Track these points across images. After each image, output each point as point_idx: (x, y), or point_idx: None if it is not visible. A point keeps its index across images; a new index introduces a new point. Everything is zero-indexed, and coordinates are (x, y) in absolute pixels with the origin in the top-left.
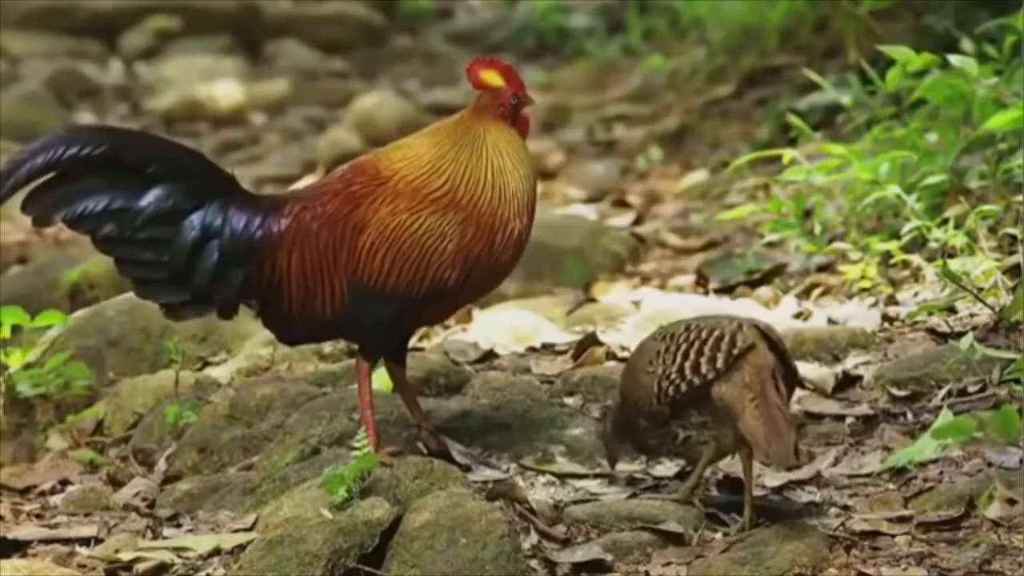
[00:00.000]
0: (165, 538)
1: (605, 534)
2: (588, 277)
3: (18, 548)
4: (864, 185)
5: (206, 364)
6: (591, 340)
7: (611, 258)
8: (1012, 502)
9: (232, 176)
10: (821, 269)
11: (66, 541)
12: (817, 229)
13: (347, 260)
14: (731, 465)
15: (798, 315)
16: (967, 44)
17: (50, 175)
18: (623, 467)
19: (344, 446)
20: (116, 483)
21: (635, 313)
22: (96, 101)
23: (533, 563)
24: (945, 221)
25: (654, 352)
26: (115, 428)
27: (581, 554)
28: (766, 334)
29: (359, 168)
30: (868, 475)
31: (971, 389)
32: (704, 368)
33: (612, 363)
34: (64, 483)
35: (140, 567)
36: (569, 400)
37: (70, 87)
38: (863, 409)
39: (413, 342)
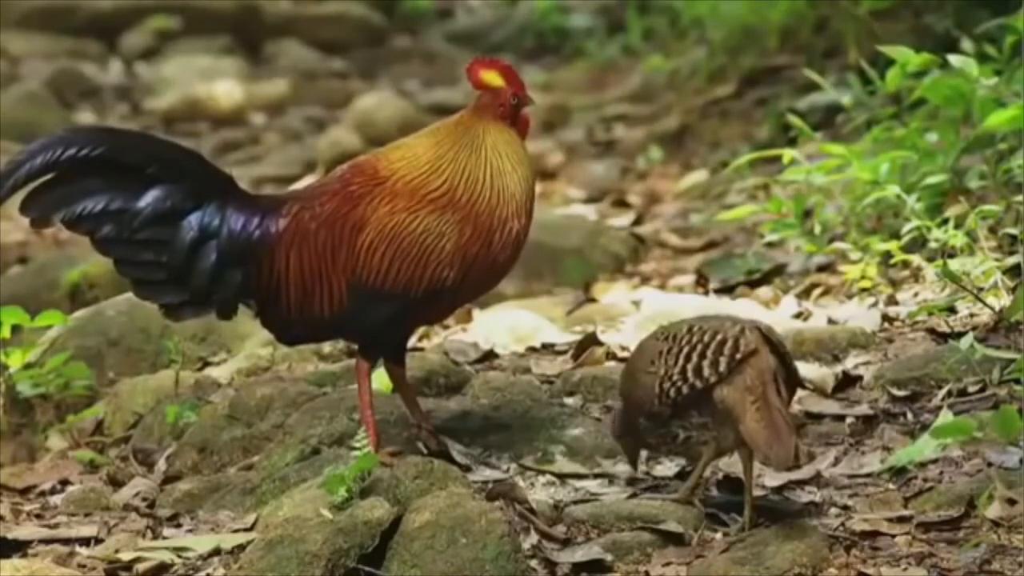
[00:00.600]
0: (165, 538)
1: (605, 534)
2: (588, 277)
3: (18, 548)
4: (864, 185)
5: (206, 364)
6: (591, 340)
7: (611, 258)
8: (1012, 502)
9: (230, 177)
10: (821, 269)
11: (66, 541)
12: (817, 229)
13: (346, 260)
14: (731, 465)
15: (798, 315)
16: (967, 44)
17: (49, 176)
18: (623, 468)
19: (344, 446)
20: (116, 483)
21: (635, 313)
22: (96, 101)
23: (533, 563)
24: (945, 221)
25: (656, 352)
26: (115, 428)
27: (581, 554)
28: (768, 337)
29: (358, 168)
30: (868, 475)
31: (971, 389)
32: (706, 371)
33: (612, 363)
34: (64, 483)
35: (140, 567)
36: (569, 400)
37: (70, 87)
38: (863, 409)
39: (413, 342)
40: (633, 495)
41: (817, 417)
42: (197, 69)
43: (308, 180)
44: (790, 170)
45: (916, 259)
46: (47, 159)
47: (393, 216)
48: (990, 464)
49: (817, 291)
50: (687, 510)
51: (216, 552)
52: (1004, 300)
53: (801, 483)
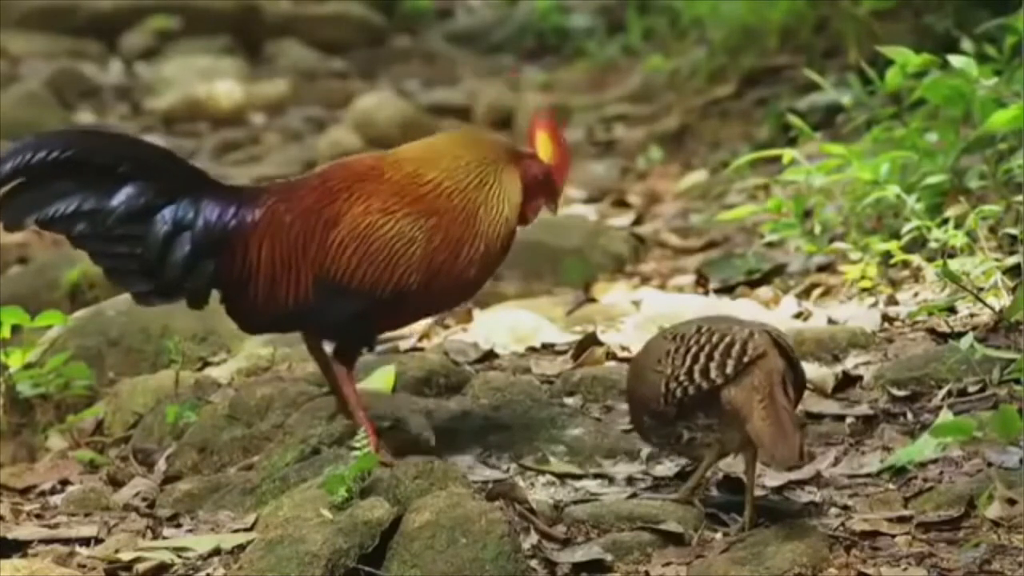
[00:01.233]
0: (165, 538)
1: (605, 534)
2: (588, 277)
3: (18, 548)
4: (864, 185)
5: (206, 364)
6: (591, 340)
7: (611, 258)
8: (1012, 502)
9: (203, 172)
10: (821, 269)
11: (66, 541)
12: (817, 229)
13: (316, 253)
14: (731, 465)
15: (798, 315)
16: (967, 44)
17: (19, 181)
18: (623, 467)
19: (344, 446)
20: (116, 483)
21: (635, 313)
22: (96, 101)
23: (533, 563)
24: (945, 221)
25: (664, 351)
26: (115, 428)
27: (581, 554)
28: (777, 341)
29: (341, 165)
30: (868, 475)
31: (971, 389)
32: (713, 373)
33: (612, 363)
34: (64, 483)
35: (140, 567)
36: (569, 400)
37: (70, 87)
38: (863, 409)
39: (412, 342)
40: (633, 495)
41: (817, 417)
42: (197, 69)
43: None
44: (790, 170)
45: (916, 259)
46: (16, 164)
47: (367, 216)
48: (990, 464)
49: (817, 291)
50: (687, 510)
51: (216, 552)
52: (1004, 300)
53: (801, 483)
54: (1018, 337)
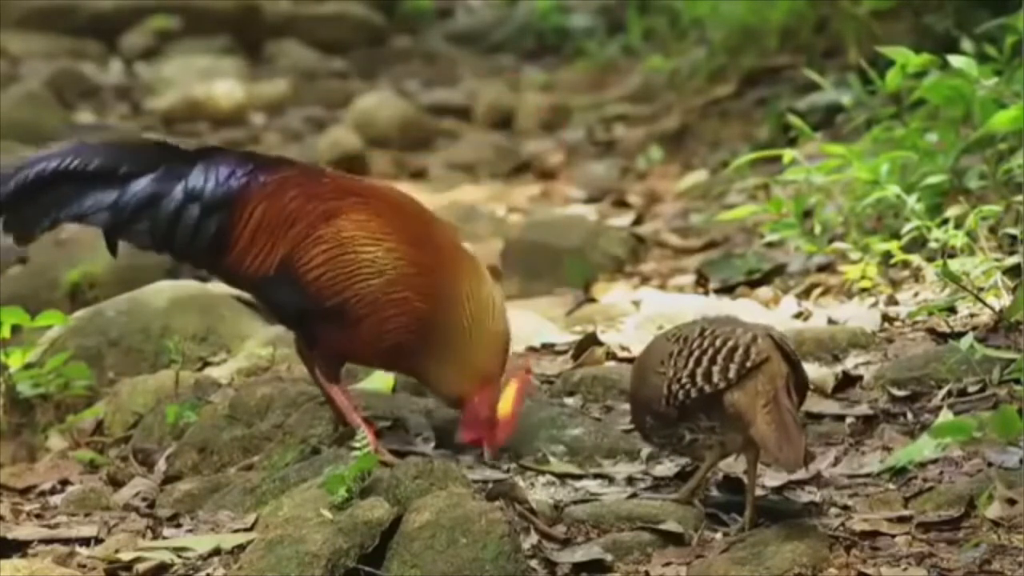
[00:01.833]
0: (165, 538)
1: (605, 534)
2: (588, 277)
3: (18, 548)
4: (864, 185)
5: (206, 364)
6: (591, 340)
7: (611, 258)
8: (1012, 502)
9: (208, 146)
10: (821, 269)
11: (66, 541)
12: (817, 229)
13: (295, 236)
14: (731, 465)
15: (798, 315)
16: (967, 44)
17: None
18: (623, 467)
19: (344, 446)
20: (116, 483)
21: (635, 313)
22: (96, 101)
23: (533, 563)
24: (945, 221)
25: (666, 353)
26: (115, 428)
27: (581, 554)
28: (780, 344)
29: (375, 183)
30: (868, 475)
31: (971, 389)
32: (716, 377)
33: (612, 363)
34: (64, 483)
35: (140, 567)
36: (569, 400)
37: (70, 87)
38: (863, 409)
39: None
40: (633, 495)
41: (817, 417)
42: (197, 69)
43: None
44: (790, 170)
45: (916, 259)
46: (17, 183)
47: (359, 229)
48: (990, 464)
49: (817, 291)
50: (687, 510)
51: (216, 552)
52: (1004, 300)
53: (801, 483)
54: (1018, 337)
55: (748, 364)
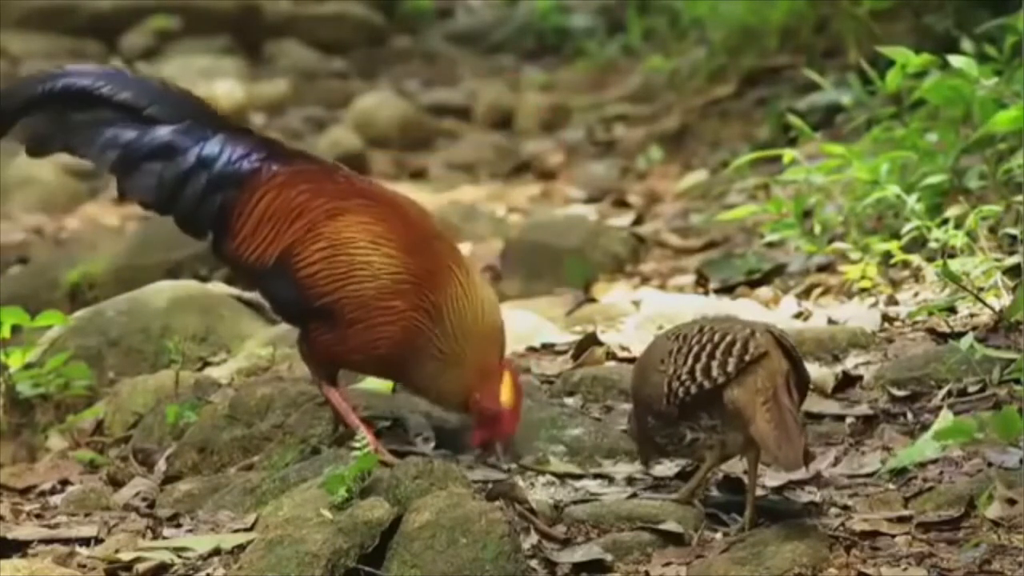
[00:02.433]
0: (165, 538)
1: (605, 534)
2: (588, 277)
3: (18, 548)
4: (864, 185)
5: (206, 364)
6: (591, 340)
7: (611, 258)
8: (1012, 502)
9: (232, 120)
10: (821, 269)
11: (66, 541)
12: (817, 229)
13: (297, 230)
14: (731, 465)
15: (798, 315)
16: (967, 44)
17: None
18: (623, 467)
19: (344, 446)
20: (116, 483)
21: (635, 313)
22: None
23: (533, 563)
24: (945, 221)
25: (666, 351)
26: (115, 428)
27: (581, 554)
28: (780, 341)
29: (378, 188)
30: (868, 475)
31: (971, 389)
32: (715, 372)
33: (612, 363)
34: (64, 483)
35: (140, 567)
36: (569, 400)
37: None
38: (863, 409)
39: None
40: (633, 495)
41: (817, 417)
42: (197, 69)
43: None
44: (790, 170)
45: (916, 259)
46: (43, 90)
47: (358, 232)
48: (990, 464)
49: (817, 291)
50: (687, 510)
51: (216, 552)
52: (1004, 300)
53: (801, 483)
54: (1018, 337)
55: (747, 358)
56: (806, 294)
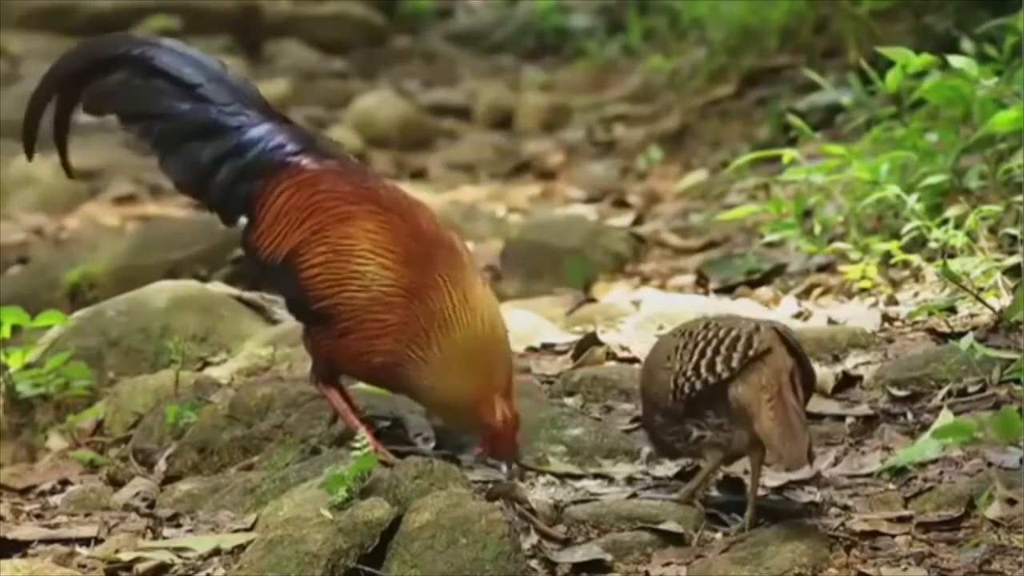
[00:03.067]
0: (165, 538)
1: (605, 534)
2: (588, 277)
3: (18, 548)
4: (864, 185)
5: (206, 364)
6: (591, 340)
7: (611, 258)
8: (1012, 502)
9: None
10: (821, 269)
11: (66, 541)
12: (817, 229)
13: (306, 230)
14: (732, 465)
15: (798, 315)
16: (967, 44)
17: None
18: (623, 468)
19: (344, 446)
20: (116, 483)
21: (635, 313)
22: None
23: (533, 563)
24: (945, 221)
25: (672, 348)
26: (115, 428)
27: (581, 554)
28: (784, 337)
29: (397, 196)
30: (868, 475)
31: (971, 389)
32: (719, 367)
33: (612, 363)
34: (64, 483)
35: (140, 567)
36: (569, 400)
37: None
38: (863, 409)
39: None
40: (633, 495)
41: (817, 417)
42: None
43: None
44: (790, 170)
45: (916, 259)
46: (119, 52)
47: (362, 240)
48: (990, 464)
49: (817, 291)
50: (687, 510)
51: (216, 552)
52: (1004, 300)
53: (801, 483)
54: (1018, 337)
55: (751, 353)
56: (806, 294)
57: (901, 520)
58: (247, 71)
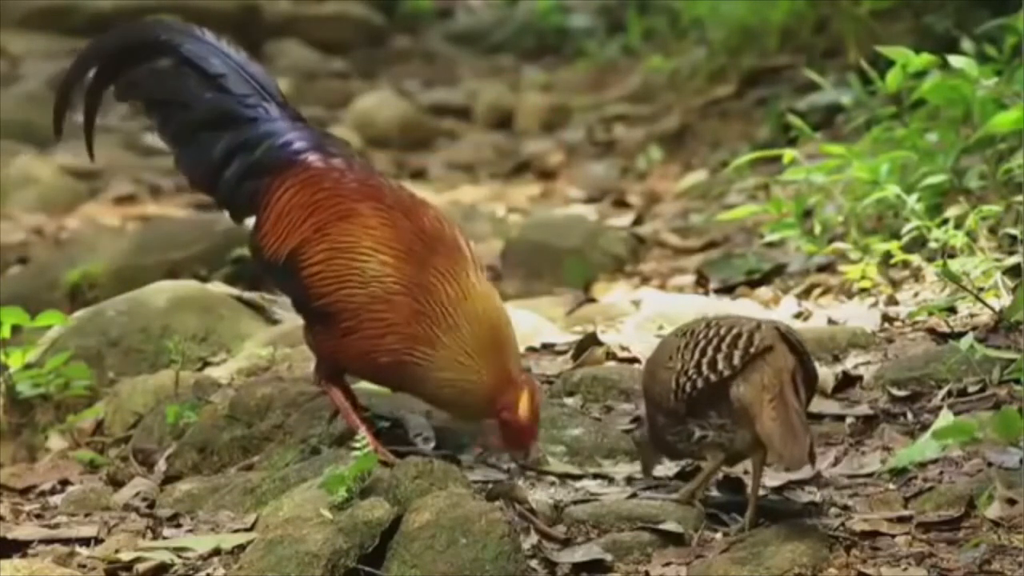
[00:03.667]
0: (165, 538)
1: (605, 534)
2: (588, 277)
3: (18, 548)
4: (864, 185)
5: (206, 364)
6: (591, 340)
7: (611, 258)
8: (1012, 502)
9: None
10: (821, 269)
11: (66, 541)
12: (817, 229)
13: (307, 227)
14: (734, 466)
15: (798, 315)
16: (967, 44)
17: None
18: (623, 468)
19: (344, 446)
20: (116, 483)
21: (635, 313)
22: None
23: (533, 563)
24: (945, 221)
25: (674, 348)
26: (115, 428)
27: (581, 554)
28: (786, 336)
29: (401, 195)
30: (868, 475)
31: (971, 389)
32: (720, 365)
33: (612, 363)
34: (64, 483)
35: (140, 567)
36: (569, 400)
37: None
38: (863, 409)
39: None
40: (633, 495)
41: (817, 417)
42: None
43: None
44: (790, 170)
45: (916, 259)
46: (150, 36)
47: (361, 237)
48: (990, 464)
49: (817, 291)
50: (687, 510)
51: (216, 552)
52: (1004, 300)
53: (801, 483)
54: (1018, 337)
55: (752, 350)
56: (806, 294)
57: (901, 520)
58: None
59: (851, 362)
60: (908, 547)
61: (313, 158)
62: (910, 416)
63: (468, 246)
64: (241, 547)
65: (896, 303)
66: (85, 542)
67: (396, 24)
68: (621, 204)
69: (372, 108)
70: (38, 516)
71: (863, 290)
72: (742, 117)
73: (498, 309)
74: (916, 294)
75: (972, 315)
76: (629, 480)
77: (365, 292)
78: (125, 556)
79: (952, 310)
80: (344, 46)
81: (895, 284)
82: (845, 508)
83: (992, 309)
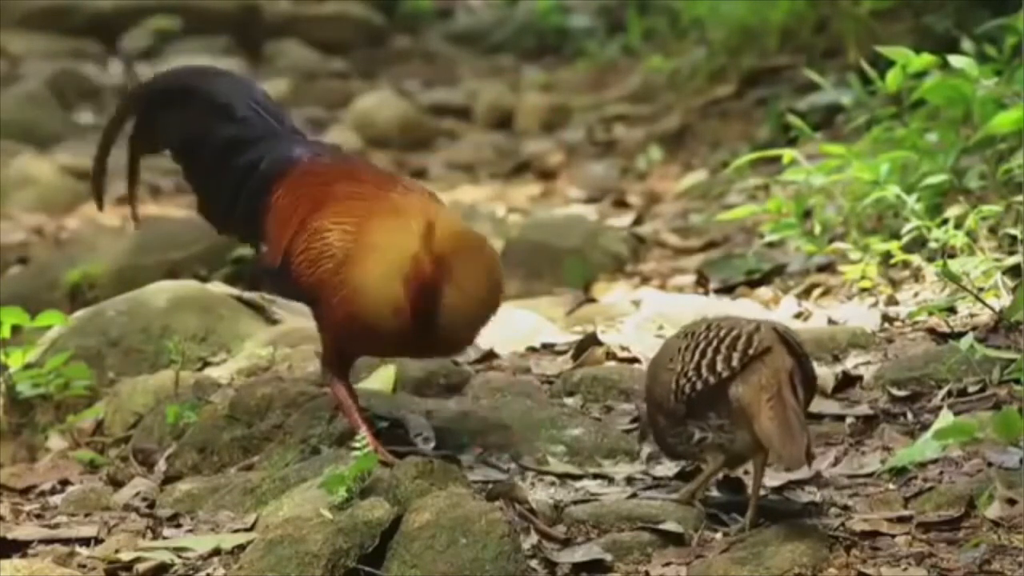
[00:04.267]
0: (165, 538)
1: (605, 534)
2: (588, 277)
3: (18, 548)
4: (864, 185)
5: (206, 364)
6: (591, 340)
7: (611, 258)
8: (1012, 502)
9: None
10: (821, 269)
11: (66, 541)
12: (817, 229)
13: (294, 223)
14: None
15: (798, 315)
16: (967, 44)
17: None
18: (623, 468)
19: (344, 446)
20: (116, 483)
21: (635, 313)
22: (96, 101)
23: (533, 563)
24: (945, 221)
25: (675, 349)
26: (115, 428)
27: (581, 554)
28: (785, 337)
29: (409, 183)
30: (868, 475)
31: (971, 389)
32: (719, 366)
33: (612, 363)
34: (64, 483)
35: (140, 567)
36: (569, 400)
37: (70, 87)
38: (863, 409)
39: None
40: (633, 495)
41: (817, 417)
42: None
43: None
44: (790, 170)
45: (916, 259)
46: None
47: (332, 217)
48: (990, 464)
49: (817, 291)
50: (687, 510)
51: (216, 552)
52: (1004, 300)
53: (801, 483)
54: (1018, 337)
55: (751, 352)
56: (806, 294)
57: (901, 520)
58: (247, 71)
59: (851, 362)
60: (908, 547)
61: (300, 162)
62: (910, 416)
63: (437, 201)
64: (241, 547)
65: (896, 303)
66: (85, 542)
67: (396, 24)
68: (621, 204)
69: (372, 108)
70: (38, 516)
71: (863, 290)
72: (742, 117)
73: (476, 257)
74: (916, 294)
75: (972, 315)
76: (629, 480)
77: (332, 262)
78: (125, 556)
79: (952, 310)
80: (344, 46)
81: (895, 284)
82: (845, 508)
83: (992, 309)
